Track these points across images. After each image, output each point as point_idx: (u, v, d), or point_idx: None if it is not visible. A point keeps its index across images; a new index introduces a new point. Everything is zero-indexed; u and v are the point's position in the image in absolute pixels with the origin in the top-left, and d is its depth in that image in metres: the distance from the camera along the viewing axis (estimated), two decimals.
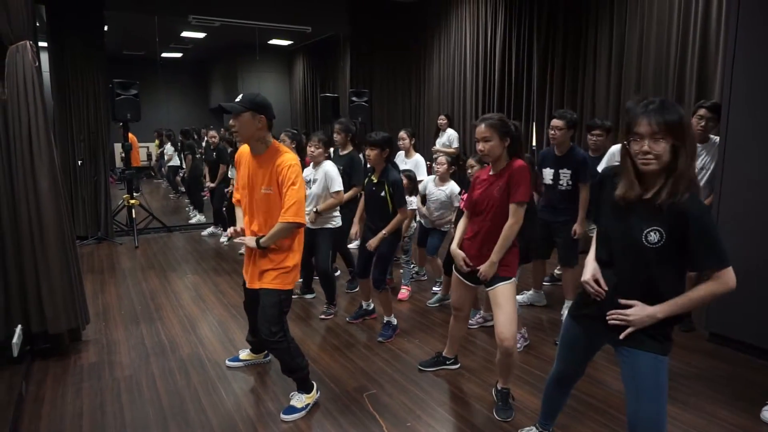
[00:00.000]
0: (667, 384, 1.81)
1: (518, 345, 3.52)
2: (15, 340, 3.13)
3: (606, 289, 1.84)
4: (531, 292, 4.44)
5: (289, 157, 2.64)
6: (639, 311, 1.74)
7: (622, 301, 1.78)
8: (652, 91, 5.26)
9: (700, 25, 4.87)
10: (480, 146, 2.60)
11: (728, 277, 1.67)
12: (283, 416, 2.75)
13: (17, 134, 3.18)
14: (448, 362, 3.31)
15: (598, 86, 5.95)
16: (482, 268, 2.64)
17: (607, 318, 1.82)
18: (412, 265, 4.88)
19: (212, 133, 7.10)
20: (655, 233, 1.68)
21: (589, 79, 6.10)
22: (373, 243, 3.61)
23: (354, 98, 7.94)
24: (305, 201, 2.61)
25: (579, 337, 2.03)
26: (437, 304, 4.41)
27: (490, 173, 2.70)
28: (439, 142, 7.26)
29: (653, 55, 5.32)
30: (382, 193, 3.58)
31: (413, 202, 4.45)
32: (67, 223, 3.46)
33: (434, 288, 4.69)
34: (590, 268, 1.90)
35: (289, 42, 11.28)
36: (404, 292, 4.67)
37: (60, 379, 3.18)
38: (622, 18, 5.66)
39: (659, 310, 1.72)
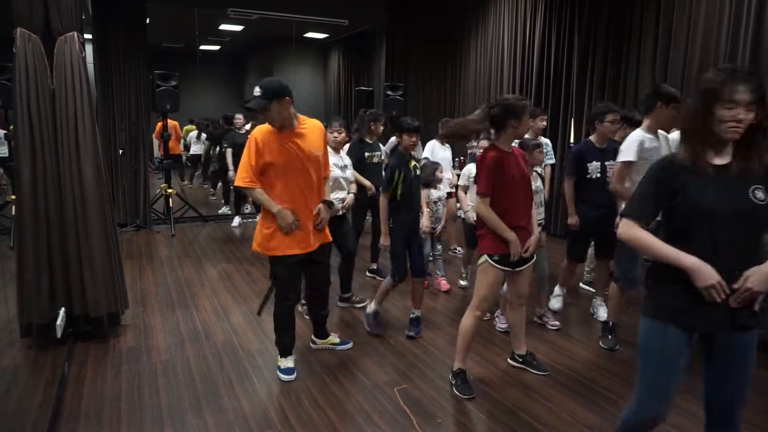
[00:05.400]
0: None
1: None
2: (59, 321, 3.24)
3: (722, 282, 1.61)
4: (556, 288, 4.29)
5: (319, 122, 3.05)
6: (757, 276, 1.59)
7: (741, 278, 1.61)
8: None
9: (753, 21, 4.64)
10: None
11: None
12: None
13: (64, 122, 3.28)
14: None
15: (642, 83, 5.76)
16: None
17: (732, 302, 1.63)
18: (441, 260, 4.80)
19: (239, 116, 7.37)
20: (759, 191, 1.64)
21: (632, 74, 5.90)
22: (428, 224, 4.05)
23: (389, 92, 7.92)
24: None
25: (685, 346, 1.76)
26: None
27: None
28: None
29: (699, 51, 5.11)
30: (418, 172, 3.65)
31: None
32: (110, 210, 3.55)
33: None
34: (706, 268, 1.62)
35: (325, 35, 11.32)
36: (446, 284, 4.67)
37: (100, 361, 3.28)
38: (668, 12, 5.45)
39: None
